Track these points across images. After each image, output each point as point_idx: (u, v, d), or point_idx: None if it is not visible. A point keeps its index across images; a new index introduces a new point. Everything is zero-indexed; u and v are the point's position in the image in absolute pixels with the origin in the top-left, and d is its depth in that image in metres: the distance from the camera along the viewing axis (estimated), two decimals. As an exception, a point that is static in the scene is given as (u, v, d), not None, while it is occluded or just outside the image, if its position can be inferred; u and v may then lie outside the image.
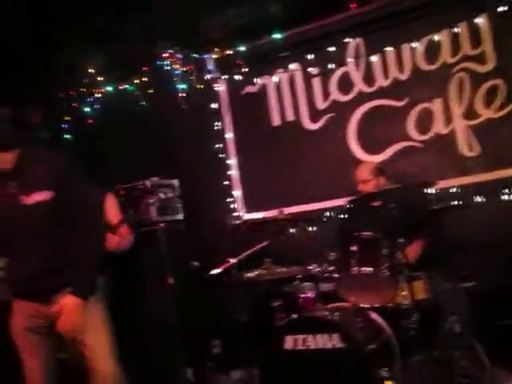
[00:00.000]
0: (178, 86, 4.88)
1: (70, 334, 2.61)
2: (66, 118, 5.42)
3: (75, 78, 5.20)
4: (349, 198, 3.82)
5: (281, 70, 4.73)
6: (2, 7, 3.99)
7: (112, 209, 3.90)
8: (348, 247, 3.33)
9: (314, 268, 3.39)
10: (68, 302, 2.57)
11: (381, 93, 4.37)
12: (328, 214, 4.43)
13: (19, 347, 2.74)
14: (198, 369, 4.37)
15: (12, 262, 2.73)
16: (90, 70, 5.09)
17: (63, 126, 5.42)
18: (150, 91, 4.99)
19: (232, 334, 4.25)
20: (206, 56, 4.87)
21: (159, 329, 4.27)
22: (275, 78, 4.77)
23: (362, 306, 3.34)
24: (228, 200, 4.93)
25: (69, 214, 2.63)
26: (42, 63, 4.64)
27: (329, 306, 3.39)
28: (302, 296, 3.53)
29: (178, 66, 4.87)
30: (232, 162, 4.97)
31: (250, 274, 3.62)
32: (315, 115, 4.63)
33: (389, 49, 4.30)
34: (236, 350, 4.30)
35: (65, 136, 5.44)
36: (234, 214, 4.89)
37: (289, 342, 3.10)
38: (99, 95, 5.26)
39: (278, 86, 4.77)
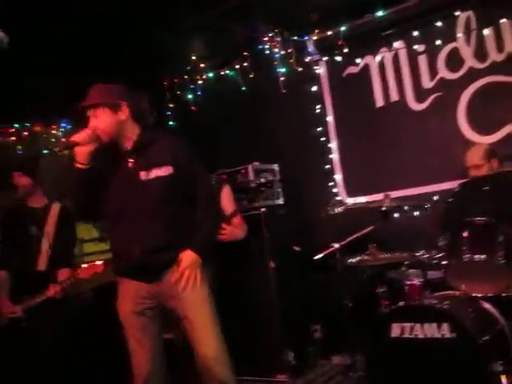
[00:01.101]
0: (277, 70, 4.86)
1: (182, 293, 2.61)
2: (170, 106, 5.59)
3: (178, 66, 5.33)
4: (459, 181, 3.62)
5: (384, 48, 4.55)
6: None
7: (227, 199, 3.98)
8: (459, 233, 3.16)
9: (421, 254, 3.26)
10: (187, 255, 2.62)
11: (494, 68, 4.07)
12: (435, 198, 4.23)
13: (126, 331, 2.73)
14: (300, 353, 4.38)
15: (120, 239, 2.70)
16: (192, 57, 5.20)
17: (168, 113, 5.60)
18: (250, 76, 5.01)
19: (334, 318, 4.20)
20: (305, 38, 4.80)
21: (261, 312, 4.32)
22: (378, 58, 4.60)
23: (473, 294, 3.16)
24: (329, 184, 4.85)
25: (185, 192, 2.68)
26: (146, 52, 4.77)
27: (437, 294, 3.25)
28: (407, 283, 3.40)
29: (277, 50, 4.84)
30: (333, 145, 4.88)
31: (353, 260, 3.56)
32: (421, 95, 4.40)
33: (504, 21, 3.99)
34: (338, 335, 4.25)
35: (169, 123, 5.62)
36: (336, 198, 4.81)
37: (395, 330, 3.01)
38: (201, 82, 5.37)
39: (382, 66, 4.59)
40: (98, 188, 2.66)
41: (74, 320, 3.93)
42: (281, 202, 4.63)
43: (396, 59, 4.52)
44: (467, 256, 3.11)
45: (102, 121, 2.60)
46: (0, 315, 3.69)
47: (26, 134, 5.53)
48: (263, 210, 4.37)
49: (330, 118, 4.89)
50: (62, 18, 4.17)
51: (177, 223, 2.65)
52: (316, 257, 3.65)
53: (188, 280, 2.61)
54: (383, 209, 3.49)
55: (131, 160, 2.67)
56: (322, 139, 4.88)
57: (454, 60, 4.24)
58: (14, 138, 5.45)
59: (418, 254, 3.27)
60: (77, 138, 2.58)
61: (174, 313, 2.72)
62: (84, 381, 3.83)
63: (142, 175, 2.64)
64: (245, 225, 3.97)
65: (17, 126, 5.45)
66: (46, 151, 5.67)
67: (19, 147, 5.47)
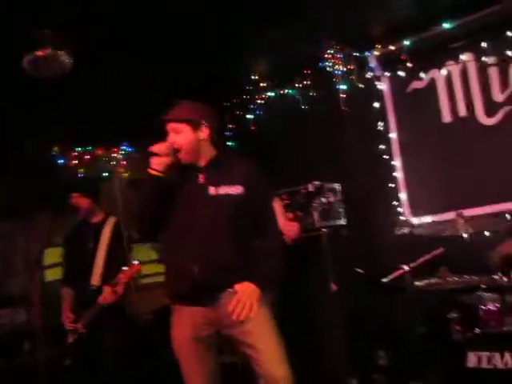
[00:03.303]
0: (339, 87, 4.75)
1: (240, 322, 2.47)
2: (230, 126, 5.56)
3: (238, 86, 5.31)
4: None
5: (451, 61, 4.35)
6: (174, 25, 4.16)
7: (278, 213, 3.87)
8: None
9: (499, 277, 3.01)
10: (245, 286, 2.51)
11: None
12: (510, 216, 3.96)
13: (181, 360, 2.59)
14: (364, 380, 4.16)
15: (179, 256, 2.57)
16: (252, 77, 5.17)
17: (227, 133, 5.56)
18: (310, 94, 4.92)
19: (402, 345, 3.98)
20: (367, 53, 4.67)
21: (323, 337, 4.16)
22: (444, 72, 4.40)
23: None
24: (394, 203, 4.65)
25: (251, 216, 2.61)
26: (207, 73, 4.77)
27: (518, 320, 2.99)
28: (483, 308, 3.16)
29: (338, 66, 4.74)
30: (397, 163, 4.69)
31: (420, 282, 3.37)
32: (492, 109, 4.17)
33: None
34: (405, 362, 4.02)
35: (229, 143, 5.59)
36: (401, 218, 4.60)
37: (472, 360, 2.79)
38: (261, 101, 5.31)
39: (449, 80, 4.39)
40: (165, 200, 2.59)
41: (133, 339, 3.94)
42: (343, 222, 4.47)
43: (464, 72, 4.31)
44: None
45: (182, 137, 2.60)
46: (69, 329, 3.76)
47: (88, 157, 5.64)
48: (325, 230, 4.23)
49: (393, 135, 4.71)
50: (121, 44, 4.25)
51: (239, 245, 2.55)
52: (385, 279, 3.46)
53: (243, 310, 2.47)
54: (455, 229, 3.25)
55: (202, 176, 2.62)
56: (386, 157, 4.71)
57: (528, 71, 4.01)
58: (76, 162, 5.57)
59: (495, 278, 3.02)
60: (156, 148, 2.57)
61: (233, 340, 2.58)
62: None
63: (211, 190, 2.58)
64: (298, 227, 3.92)
65: (79, 149, 5.57)
66: (106, 174, 5.76)
67: (81, 170, 5.58)
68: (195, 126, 2.60)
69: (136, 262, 3.71)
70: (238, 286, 2.51)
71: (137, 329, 4.48)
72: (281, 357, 2.52)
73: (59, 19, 3.62)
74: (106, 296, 3.63)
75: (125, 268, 3.62)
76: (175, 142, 2.59)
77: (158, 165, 2.56)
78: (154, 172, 2.56)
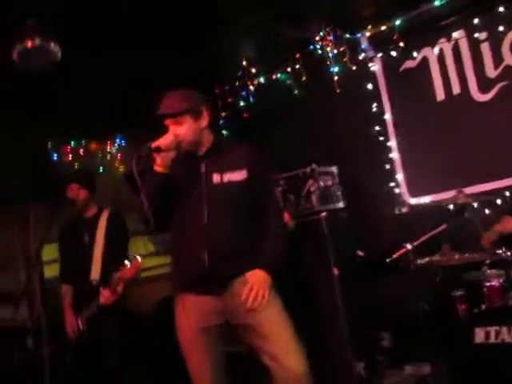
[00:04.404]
0: (331, 70, 4.71)
1: (253, 311, 2.43)
2: (222, 114, 5.51)
3: (229, 72, 5.26)
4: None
5: (443, 39, 4.33)
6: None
7: None
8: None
9: (503, 253, 2.99)
10: (257, 274, 2.47)
11: None
12: (507, 193, 3.96)
13: (187, 352, 2.51)
14: (370, 363, 4.17)
15: (186, 248, 2.52)
16: (242, 63, 5.11)
17: (220, 121, 5.51)
18: (302, 78, 4.87)
19: (406, 325, 3.98)
20: (358, 34, 4.64)
21: (327, 321, 4.15)
22: (437, 50, 4.38)
23: None
24: (391, 185, 4.64)
25: (255, 200, 2.57)
26: (197, 59, 4.71)
27: (523, 295, 3.00)
28: (487, 285, 3.16)
29: (330, 49, 4.70)
30: (392, 144, 4.67)
31: (421, 261, 3.36)
32: (486, 85, 4.16)
33: None
34: (410, 342, 4.03)
35: (223, 132, 5.54)
36: (399, 198, 4.59)
37: (479, 335, 2.79)
38: (252, 87, 5.27)
39: (441, 58, 4.37)
40: (171, 195, 2.53)
41: (134, 334, 3.92)
42: (342, 205, 4.46)
43: (456, 49, 4.29)
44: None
45: (184, 128, 2.50)
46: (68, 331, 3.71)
47: (82, 151, 5.57)
48: (324, 214, 4.22)
49: (387, 116, 4.70)
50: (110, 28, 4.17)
51: (246, 231, 2.52)
52: (388, 259, 3.45)
53: (257, 298, 2.44)
54: (459, 203, 3.22)
55: (204, 164, 2.57)
56: (381, 138, 4.69)
57: (520, 46, 3.99)
58: (70, 156, 5.50)
59: (499, 253, 3.01)
60: (160, 143, 2.45)
61: (244, 330, 2.51)
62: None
63: (215, 179, 2.53)
64: (292, 221, 3.96)
65: (73, 143, 5.50)
66: (101, 167, 5.71)
67: (76, 164, 5.52)
68: (197, 115, 2.53)
69: (138, 258, 3.60)
70: (249, 275, 2.48)
71: (137, 323, 4.45)
72: (298, 349, 2.43)
73: (45, 9, 3.54)
74: (107, 297, 3.56)
75: (126, 263, 3.53)
76: (179, 134, 2.49)
77: (163, 161, 2.46)
78: (159, 169, 2.47)
